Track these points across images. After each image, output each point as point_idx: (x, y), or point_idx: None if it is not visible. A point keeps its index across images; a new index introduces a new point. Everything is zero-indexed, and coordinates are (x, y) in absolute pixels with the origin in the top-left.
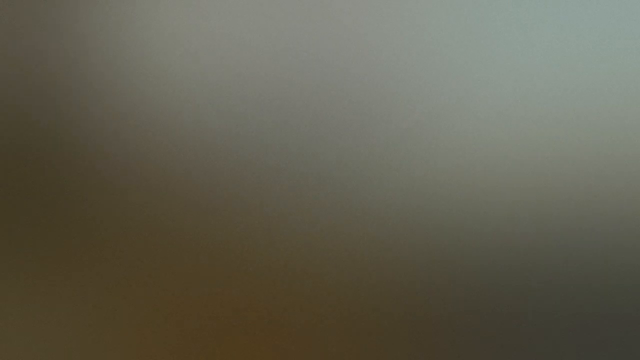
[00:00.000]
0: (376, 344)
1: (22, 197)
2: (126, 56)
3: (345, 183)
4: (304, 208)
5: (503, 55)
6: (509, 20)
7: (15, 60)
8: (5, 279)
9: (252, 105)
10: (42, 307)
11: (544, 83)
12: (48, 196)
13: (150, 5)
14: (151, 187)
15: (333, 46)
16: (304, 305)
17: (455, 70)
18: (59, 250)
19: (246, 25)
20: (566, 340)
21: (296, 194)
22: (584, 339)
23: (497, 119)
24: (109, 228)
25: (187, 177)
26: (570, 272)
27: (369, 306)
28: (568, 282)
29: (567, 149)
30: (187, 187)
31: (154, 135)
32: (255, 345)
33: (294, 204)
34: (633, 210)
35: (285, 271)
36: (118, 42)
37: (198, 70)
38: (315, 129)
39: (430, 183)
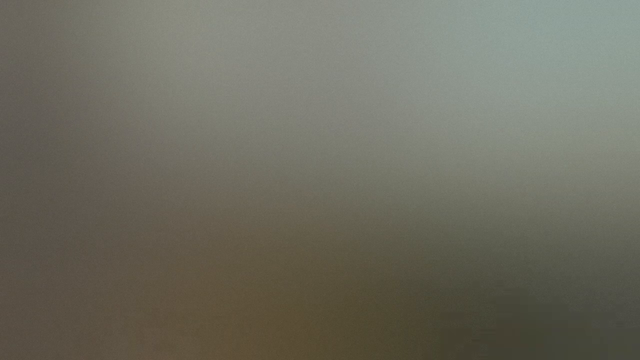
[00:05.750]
0: (376, 343)
1: (22, 197)
2: (126, 56)
3: (345, 183)
4: (303, 208)
5: (503, 55)
6: (509, 20)
7: (15, 60)
8: (5, 279)
9: (252, 105)
10: (42, 306)
11: (544, 83)
12: (48, 196)
13: (151, 5)
14: (151, 187)
15: (333, 46)
16: (304, 304)
17: (456, 70)
18: (58, 250)
19: (246, 25)
20: (566, 340)
21: (296, 194)
22: (584, 339)
23: (497, 119)
24: (108, 228)
25: (187, 177)
26: (571, 272)
27: (368, 306)
28: (568, 281)
29: (567, 148)
30: (187, 187)
31: (154, 135)
32: (255, 345)
33: (293, 204)
34: (633, 210)
35: (284, 271)
36: (118, 42)
37: (198, 70)
38: (315, 129)
39: (430, 183)
